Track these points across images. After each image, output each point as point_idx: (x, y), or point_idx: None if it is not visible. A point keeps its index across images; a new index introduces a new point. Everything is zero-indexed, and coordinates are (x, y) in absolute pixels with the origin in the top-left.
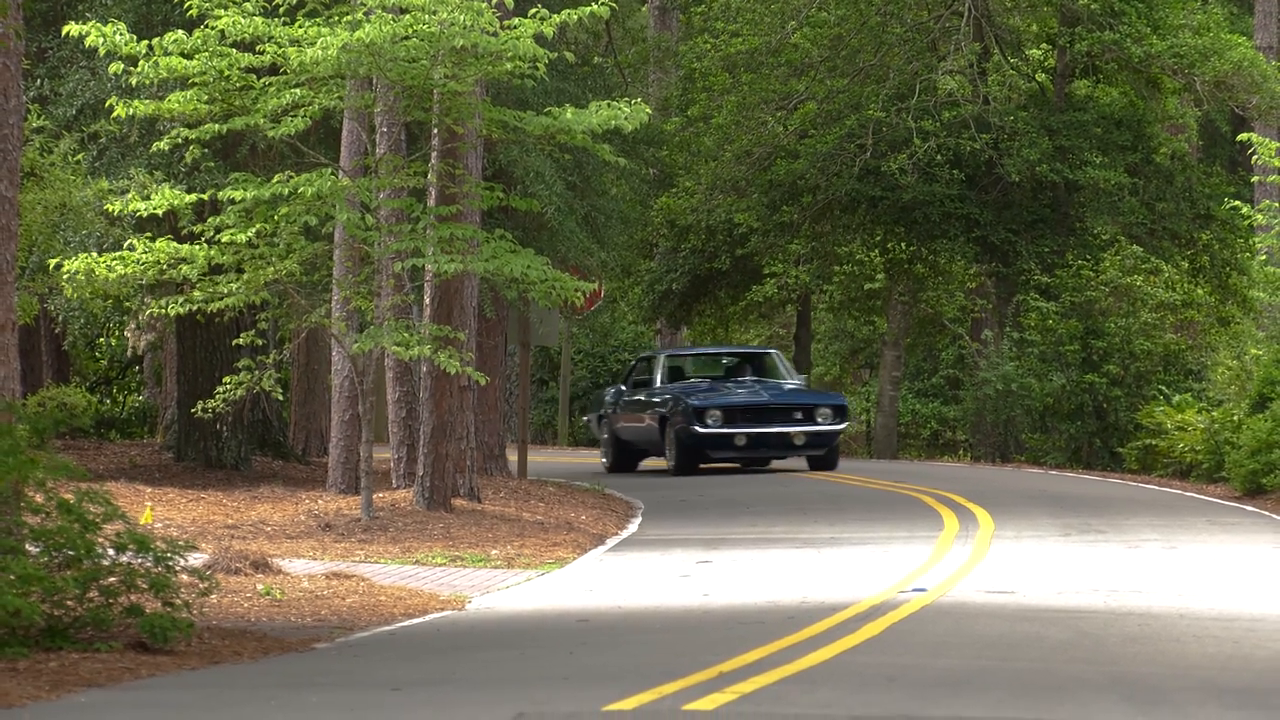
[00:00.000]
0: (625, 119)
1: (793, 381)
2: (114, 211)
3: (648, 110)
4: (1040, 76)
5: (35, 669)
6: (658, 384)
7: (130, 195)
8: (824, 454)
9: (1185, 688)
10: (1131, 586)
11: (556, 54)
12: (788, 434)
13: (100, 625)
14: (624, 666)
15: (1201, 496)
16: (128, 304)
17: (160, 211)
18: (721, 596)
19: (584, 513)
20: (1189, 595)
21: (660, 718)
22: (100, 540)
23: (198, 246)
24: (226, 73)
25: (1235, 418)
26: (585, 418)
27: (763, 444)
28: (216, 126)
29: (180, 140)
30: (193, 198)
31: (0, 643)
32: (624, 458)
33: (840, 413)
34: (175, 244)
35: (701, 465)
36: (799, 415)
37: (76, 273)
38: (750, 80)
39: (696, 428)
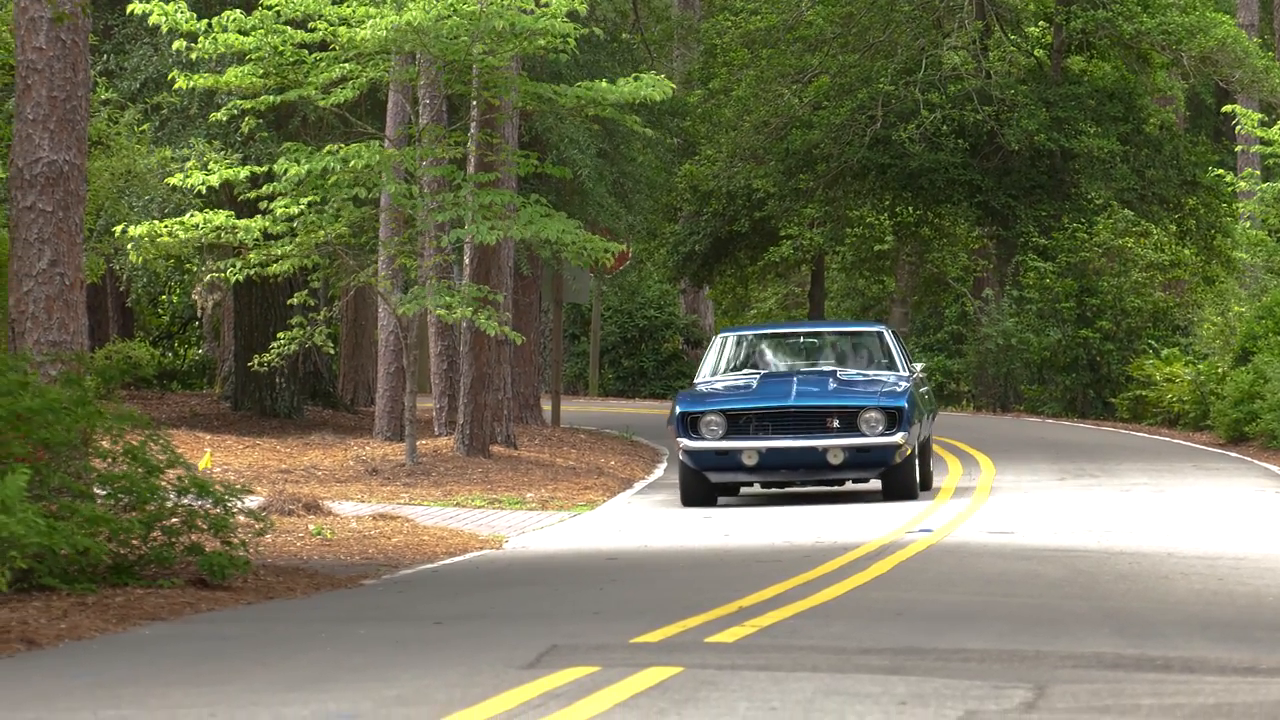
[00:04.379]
0: (651, 90)
1: (893, 374)
2: (175, 184)
3: (671, 85)
4: (1038, 52)
5: (103, 604)
6: (702, 375)
7: (190, 167)
8: (878, 476)
9: (1173, 621)
10: (1123, 527)
11: (587, 30)
12: (818, 449)
13: (163, 563)
14: (650, 602)
15: (1188, 444)
16: (189, 265)
17: (217, 184)
18: (741, 537)
19: (613, 459)
20: (1176, 536)
21: (684, 649)
22: (163, 484)
23: (253, 220)
24: (280, 48)
25: (1219, 370)
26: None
27: (783, 462)
28: (272, 99)
29: (236, 112)
30: (246, 170)
31: (70, 579)
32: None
33: (895, 419)
34: (232, 215)
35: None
36: (836, 423)
37: (141, 237)
38: (768, 55)
39: (688, 441)
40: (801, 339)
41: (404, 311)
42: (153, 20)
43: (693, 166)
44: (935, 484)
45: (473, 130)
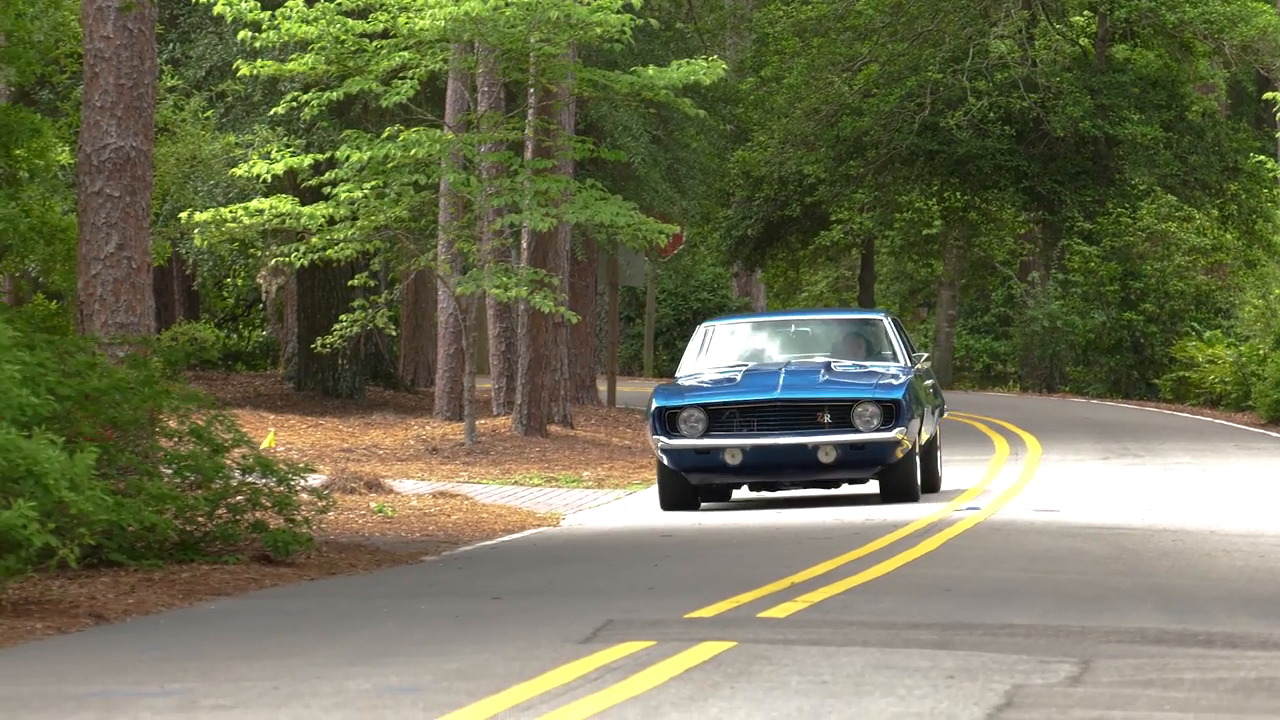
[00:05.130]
0: (703, 74)
1: (892, 364)
2: (239, 173)
3: (724, 66)
4: (1083, 41)
5: (169, 579)
6: (684, 369)
7: (253, 155)
8: (875, 476)
9: (1215, 598)
10: (1166, 505)
11: (642, 20)
12: (808, 446)
13: (228, 540)
14: (703, 578)
15: (1230, 424)
16: (253, 249)
17: (280, 172)
18: (793, 515)
19: None
20: (1219, 513)
21: (737, 624)
22: (228, 462)
23: (316, 205)
24: (341, 37)
25: (1261, 352)
26: None
27: (769, 461)
28: (334, 94)
29: (297, 104)
30: (309, 159)
31: (138, 555)
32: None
33: (891, 413)
34: (296, 202)
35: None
36: (827, 418)
37: (206, 222)
38: (819, 44)
39: (665, 439)
40: (793, 328)
41: (462, 293)
42: (217, 10)
43: (745, 152)
44: (983, 458)
45: (530, 117)
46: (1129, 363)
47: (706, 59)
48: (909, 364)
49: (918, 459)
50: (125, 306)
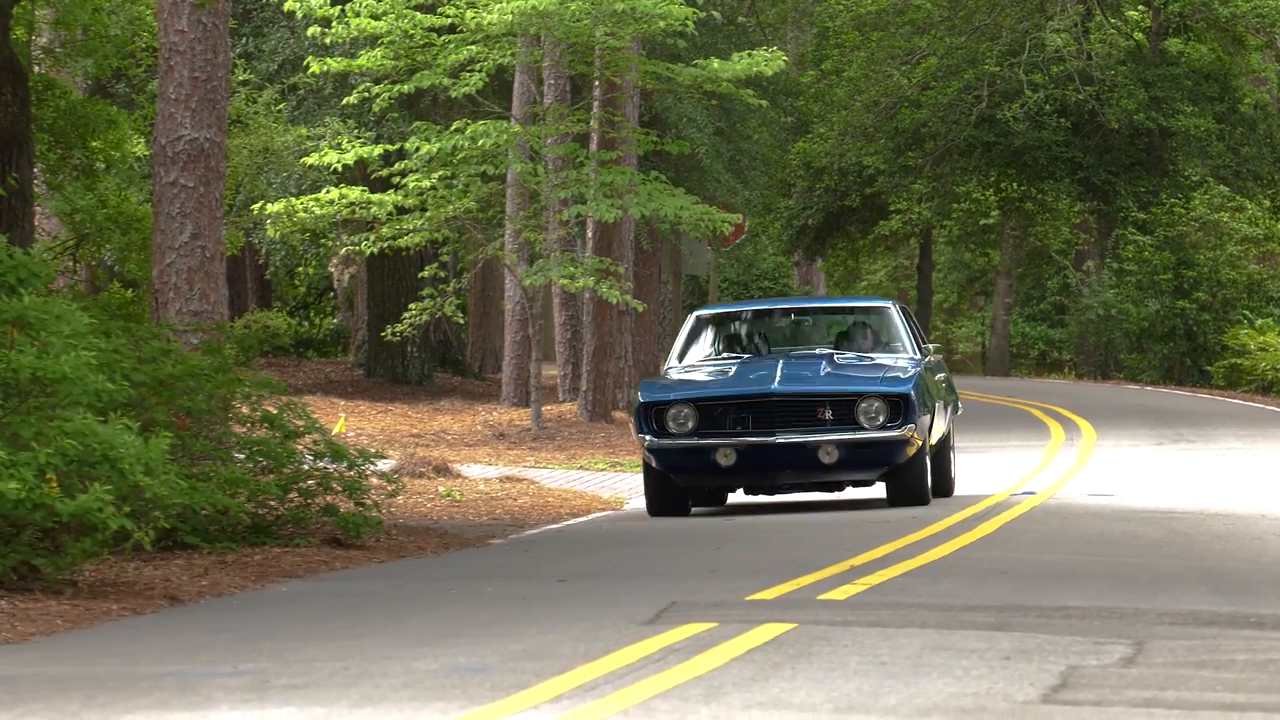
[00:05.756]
0: (765, 65)
1: (900, 356)
2: (311, 163)
3: (784, 57)
4: (1137, 34)
5: (242, 562)
6: (672, 361)
7: (325, 146)
8: (881, 478)
9: (1267, 580)
10: (1218, 490)
11: (705, 14)
12: (807, 446)
13: (299, 523)
14: (764, 561)
15: None
16: (324, 239)
17: (351, 162)
18: (852, 500)
19: None
20: (1270, 498)
21: (798, 606)
22: (299, 447)
23: (386, 195)
24: (410, 32)
25: None
26: None
27: (766, 462)
28: (403, 87)
29: (368, 95)
30: (379, 149)
31: (211, 539)
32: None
33: (899, 409)
34: (367, 191)
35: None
36: (829, 414)
37: (279, 212)
38: (878, 38)
39: (651, 438)
40: (792, 317)
41: (529, 283)
42: (289, 6)
43: (806, 144)
44: (1039, 444)
45: (595, 109)
46: (1182, 350)
47: (768, 50)
48: (919, 356)
49: (928, 460)
50: (199, 294)
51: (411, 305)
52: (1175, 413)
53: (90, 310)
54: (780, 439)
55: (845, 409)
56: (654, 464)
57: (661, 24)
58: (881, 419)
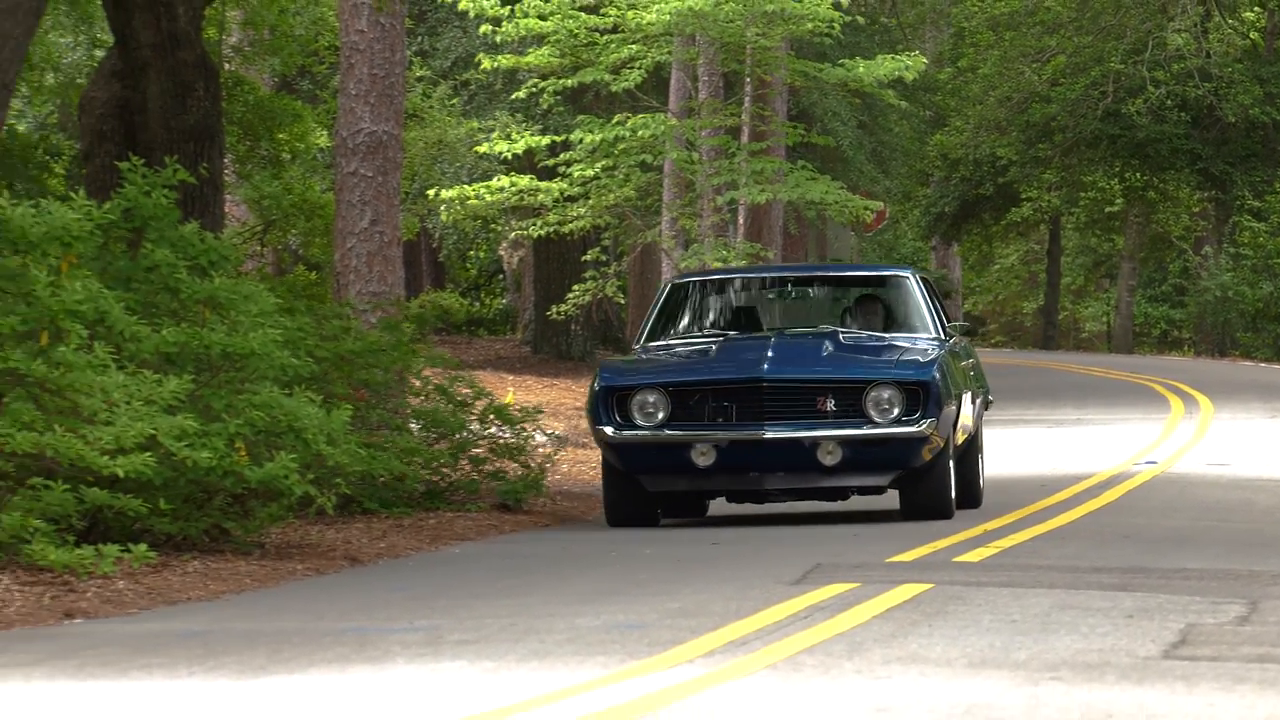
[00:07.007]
0: (906, 69)
1: (920, 336)
2: (482, 152)
3: (924, 61)
4: (1253, 34)
5: (417, 526)
6: (643, 338)
7: (495, 136)
8: (894, 484)
9: None
10: None
11: (850, 17)
12: (804, 443)
13: (469, 489)
14: (903, 526)
15: None
16: (494, 224)
17: (520, 151)
18: (986, 468)
19: None
20: None
21: (934, 568)
22: (470, 417)
23: (552, 183)
24: (575, 31)
25: None
26: None
27: (752, 462)
28: (569, 81)
29: (536, 89)
30: (547, 139)
31: (388, 504)
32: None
33: (917, 400)
34: (534, 179)
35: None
36: (831, 404)
37: (452, 200)
38: (1011, 37)
39: (611, 430)
40: (790, 287)
41: (685, 266)
42: (461, 6)
43: (943, 136)
44: (1159, 416)
45: (746, 104)
46: None
47: (909, 54)
48: (943, 336)
49: (951, 463)
50: (377, 276)
51: (575, 286)
52: None
53: (276, 291)
54: (770, 434)
55: (851, 399)
56: (614, 463)
57: (809, 25)
58: (896, 411)
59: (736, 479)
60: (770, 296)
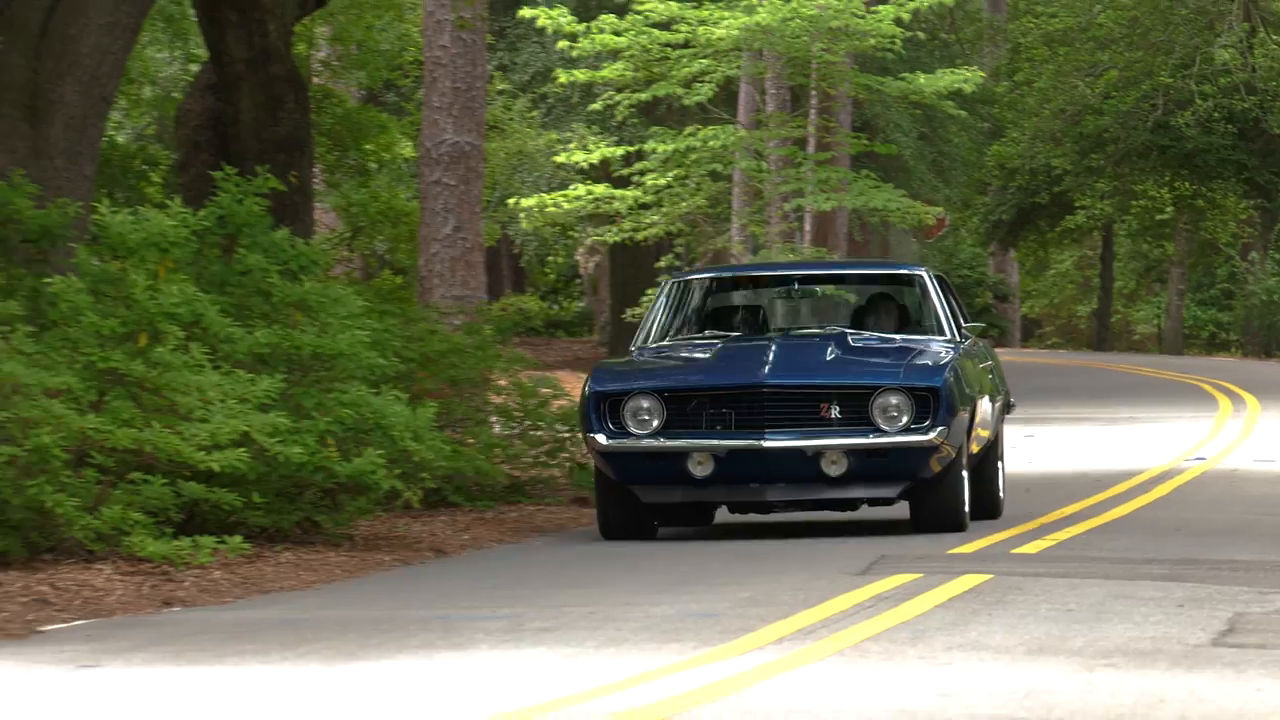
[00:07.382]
0: (965, 83)
1: (932, 338)
2: (560, 162)
3: (982, 75)
4: None
5: (499, 518)
6: (639, 340)
7: (573, 147)
8: (904, 496)
9: None
10: None
11: (911, 33)
12: (807, 452)
13: (548, 483)
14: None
15: None
16: (571, 231)
17: (596, 161)
18: (1042, 464)
19: None
20: None
21: (994, 560)
22: (549, 414)
23: (627, 191)
24: (648, 47)
25: None
26: None
27: (753, 473)
28: (643, 95)
29: (611, 102)
30: (622, 150)
31: (472, 497)
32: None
33: (928, 406)
34: (610, 187)
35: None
36: (836, 411)
37: (531, 207)
38: (1065, 52)
39: (603, 438)
40: (796, 285)
41: None
42: (540, 23)
43: (1000, 147)
44: (1208, 415)
45: (812, 116)
46: None
47: (968, 68)
48: (957, 338)
49: (965, 474)
50: (460, 281)
51: (649, 290)
52: None
53: (364, 295)
54: (771, 443)
55: (857, 405)
56: (607, 473)
57: (872, 41)
58: (905, 419)
59: (736, 490)
60: (776, 296)
